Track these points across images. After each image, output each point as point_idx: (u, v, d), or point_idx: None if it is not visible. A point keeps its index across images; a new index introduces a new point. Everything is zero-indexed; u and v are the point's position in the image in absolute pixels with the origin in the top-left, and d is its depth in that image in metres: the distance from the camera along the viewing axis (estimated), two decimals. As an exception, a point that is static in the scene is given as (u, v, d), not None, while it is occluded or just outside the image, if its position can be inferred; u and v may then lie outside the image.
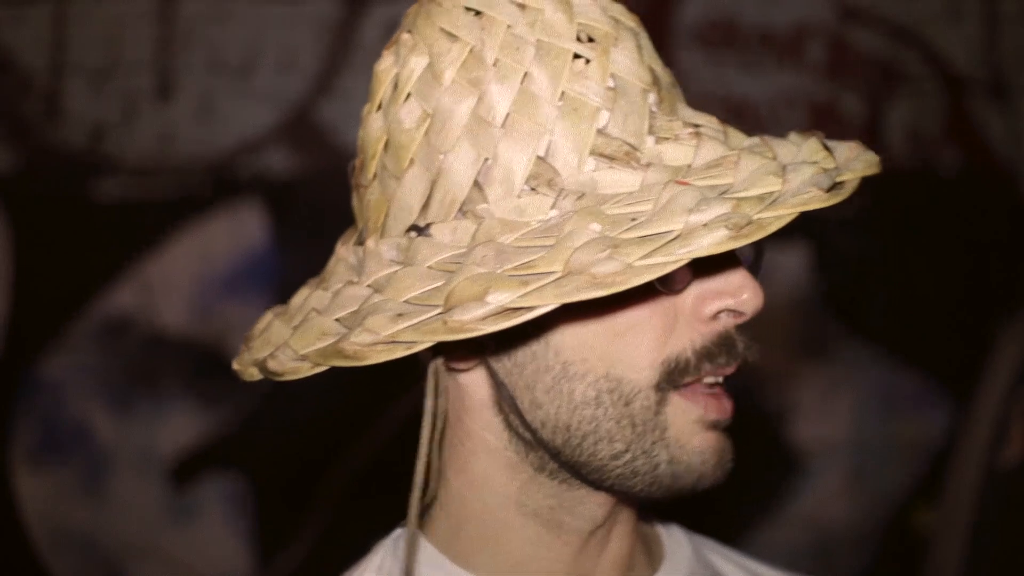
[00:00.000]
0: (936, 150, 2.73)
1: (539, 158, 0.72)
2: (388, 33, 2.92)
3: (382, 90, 0.79)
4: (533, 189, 0.72)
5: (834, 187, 0.69)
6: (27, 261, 2.61)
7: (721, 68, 2.45)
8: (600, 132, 0.72)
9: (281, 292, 2.58)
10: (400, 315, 0.68)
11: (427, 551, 0.82)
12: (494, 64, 0.73)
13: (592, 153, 0.72)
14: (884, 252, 2.65)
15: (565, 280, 0.64)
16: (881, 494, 2.68)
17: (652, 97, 0.75)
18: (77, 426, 2.62)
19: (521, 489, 0.79)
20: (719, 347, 0.75)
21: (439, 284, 0.69)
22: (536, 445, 0.76)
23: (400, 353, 0.67)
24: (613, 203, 0.69)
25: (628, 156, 0.72)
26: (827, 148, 0.73)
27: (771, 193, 0.67)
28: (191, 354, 2.62)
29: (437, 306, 0.67)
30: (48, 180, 2.62)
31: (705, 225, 0.64)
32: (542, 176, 0.72)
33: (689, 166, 0.72)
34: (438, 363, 0.77)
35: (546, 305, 0.64)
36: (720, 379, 0.77)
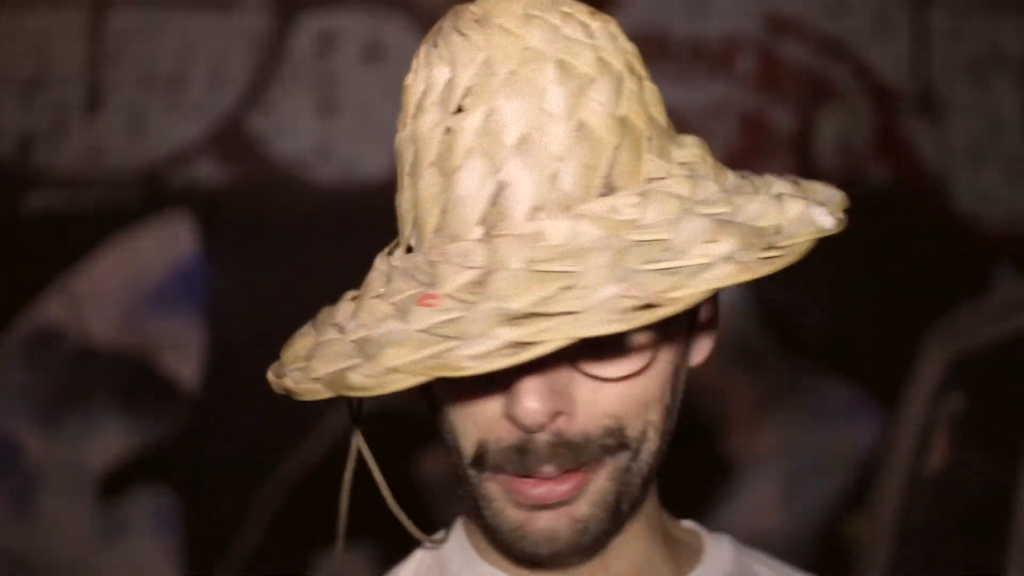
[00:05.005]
0: (865, 163, 2.75)
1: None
2: (318, 45, 2.92)
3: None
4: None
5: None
6: (-47, 274, 2.58)
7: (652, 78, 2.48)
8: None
9: (211, 304, 2.59)
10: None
11: (465, 547, 0.87)
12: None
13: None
14: (813, 264, 2.67)
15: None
16: (813, 504, 2.68)
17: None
18: (4, 443, 2.58)
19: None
20: (516, 451, 0.72)
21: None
22: None
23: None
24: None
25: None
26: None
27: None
28: (120, 367, 2.60)
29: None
30: (-24, 193, 2.60)
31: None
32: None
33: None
34: None
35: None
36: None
